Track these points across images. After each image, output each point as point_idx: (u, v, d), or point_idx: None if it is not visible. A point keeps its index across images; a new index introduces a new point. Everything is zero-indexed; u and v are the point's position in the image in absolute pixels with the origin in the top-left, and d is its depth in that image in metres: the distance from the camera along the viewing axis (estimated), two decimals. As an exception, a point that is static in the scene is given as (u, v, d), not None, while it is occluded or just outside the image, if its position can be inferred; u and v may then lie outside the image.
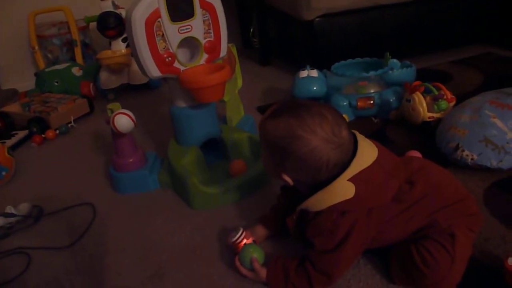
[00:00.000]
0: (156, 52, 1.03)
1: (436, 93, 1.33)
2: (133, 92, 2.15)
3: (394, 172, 0.76)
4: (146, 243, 1.01)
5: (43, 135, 1.72)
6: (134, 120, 1.13)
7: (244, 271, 0.84)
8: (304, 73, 1.53)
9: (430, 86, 1.35)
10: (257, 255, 0.83)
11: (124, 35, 1.98)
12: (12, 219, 1.13)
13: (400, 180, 0.77)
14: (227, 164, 1.23)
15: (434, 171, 0.83)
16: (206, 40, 1.10)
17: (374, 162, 0.74)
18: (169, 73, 1.07)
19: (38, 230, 1.13)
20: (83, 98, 1.96)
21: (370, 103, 1.46)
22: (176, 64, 1.07)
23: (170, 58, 1.05)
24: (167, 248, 0.98)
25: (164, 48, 1.04)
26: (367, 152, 0.75)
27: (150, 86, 2.17)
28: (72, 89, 2.06)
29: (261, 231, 0.95)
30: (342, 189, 0.72)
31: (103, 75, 2.07)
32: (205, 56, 1.11)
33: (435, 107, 1.31)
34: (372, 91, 1.49)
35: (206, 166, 1.21)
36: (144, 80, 2.06)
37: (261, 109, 1.71)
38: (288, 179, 0.77)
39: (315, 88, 1.50)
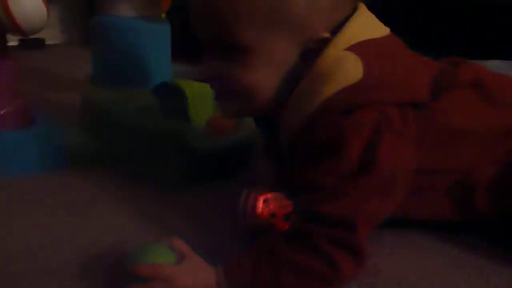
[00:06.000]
0: None
1: None
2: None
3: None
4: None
5: None
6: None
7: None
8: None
9: None
10: (164, 259, 0.42)
11: None
12: None
13: (433, 72, 0.49)
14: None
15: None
16: None
17: (388, 36, 0.47)
18: None
19: None
20: None
21: None
22: None
23: None
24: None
25: None
26: (374, 22, 0.48)
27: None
28: None
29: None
30: (338, 66, 0.42)
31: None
32: None
33: None
34: None
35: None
36: None
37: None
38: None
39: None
